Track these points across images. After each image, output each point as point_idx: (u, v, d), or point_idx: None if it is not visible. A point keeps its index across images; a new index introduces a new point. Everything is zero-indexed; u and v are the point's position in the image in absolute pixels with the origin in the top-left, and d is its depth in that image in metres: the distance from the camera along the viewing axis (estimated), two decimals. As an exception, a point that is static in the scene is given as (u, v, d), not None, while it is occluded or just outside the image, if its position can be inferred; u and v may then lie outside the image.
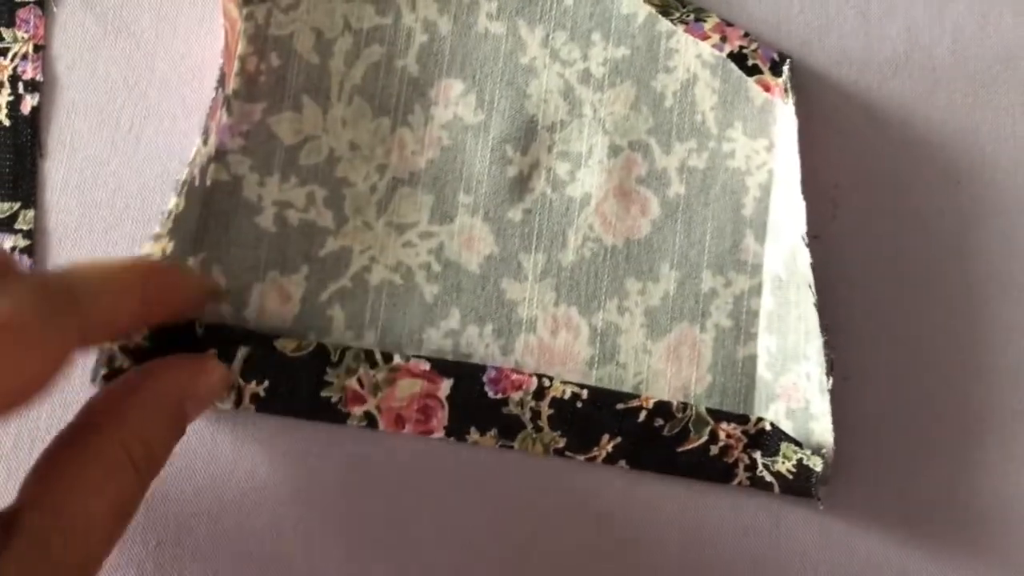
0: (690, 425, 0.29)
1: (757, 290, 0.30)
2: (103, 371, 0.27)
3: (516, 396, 0.29)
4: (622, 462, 0.29)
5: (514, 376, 0.29)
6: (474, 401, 0.29)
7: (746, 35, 0.31)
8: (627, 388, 0.29)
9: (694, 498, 0.29)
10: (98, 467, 0.23)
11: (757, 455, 0.29)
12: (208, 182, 0.29)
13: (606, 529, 0.29)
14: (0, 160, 0.29)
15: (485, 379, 0.29)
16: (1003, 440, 0.30)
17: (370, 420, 0.28)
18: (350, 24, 0.31)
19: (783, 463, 0.28)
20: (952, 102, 0.32)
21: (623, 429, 0.29)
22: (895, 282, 0.31)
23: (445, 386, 0.29)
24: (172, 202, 0.27)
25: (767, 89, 0.31)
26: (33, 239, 0.29)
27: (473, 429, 0.29)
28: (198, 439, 0.28)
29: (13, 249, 0.29)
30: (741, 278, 0.30)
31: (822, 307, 0.28)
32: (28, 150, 0.30)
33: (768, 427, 0.29)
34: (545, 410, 0.29)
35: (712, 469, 0.29)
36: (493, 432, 0.29)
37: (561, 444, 0.29)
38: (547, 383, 0.29)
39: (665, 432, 0.29)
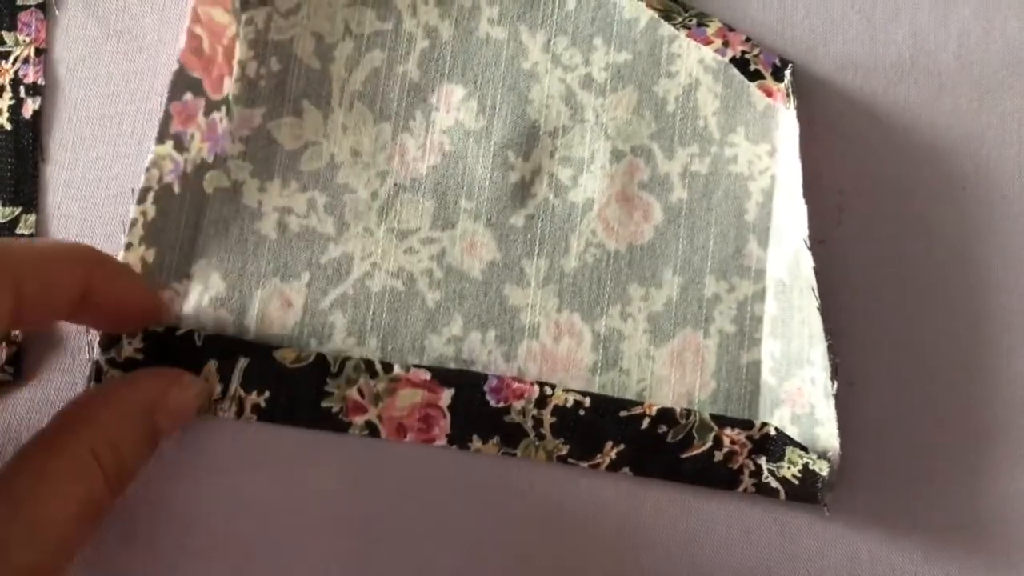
0: (694, 431, 0.29)
1: (761, 295, 0.30)
2: (92, 384, 0.27)
3: (518, 405, 0.29)
4: (625, 469, 0.28)
5: (516, 385, 0.29)
6: (476, 410, 0.28)
7: (748, 40, 0.31)
8: (631, 394, 0.29)
9: (697, 504, 0.29)
10: (65, 467, 0.23)
11: (762, 460, 0.28)
12: (209, 189, 0.29)
13: (609, 536, 0.29)
14: (1, 164, 0.29)
15: (486, 388, 0.29)
16: (1007, 445, 0.30)
17: (372, 429, 0.28)
18: (351, 29, 0.31)
19: (788, 468, 0.28)
20: (957, 107, 0.32)
21: (626, 436, 0.29)
22: (899, 287, 0.31)
23: (446, 396, 0.29)
24: (134, 210, 0.28)
25: (769, 94, 0.31)
26: (34, 244, 0.29)
27: (475, 437, 0.28)
28: (198, 447, 0.28)
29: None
30: (744, 283, 0.30)
31: (826, 312, 0.28)
32: (29, 154, 0.30)
33: (773, 432, 0.29)
34: (547, 418, 0.29)
35: (717, 475, 0.28)
36: (495, 440, 0.28)
37: (564, 452, 0.29)
38: (549, 391, 0.29)
39: (669, 439, 0.29)
